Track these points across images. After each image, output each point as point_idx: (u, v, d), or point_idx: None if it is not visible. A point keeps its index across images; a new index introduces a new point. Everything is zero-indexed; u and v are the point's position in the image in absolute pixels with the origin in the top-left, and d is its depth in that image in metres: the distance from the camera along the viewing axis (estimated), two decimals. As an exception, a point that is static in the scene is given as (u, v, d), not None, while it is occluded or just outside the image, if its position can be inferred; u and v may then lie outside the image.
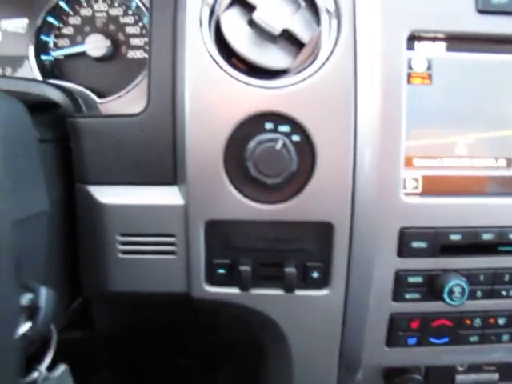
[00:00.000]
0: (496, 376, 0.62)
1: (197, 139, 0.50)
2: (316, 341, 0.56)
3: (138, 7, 0.62)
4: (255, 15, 0.50)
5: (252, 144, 0.48)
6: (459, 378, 0.61)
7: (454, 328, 0.55)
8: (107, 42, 0.62)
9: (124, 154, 0.53)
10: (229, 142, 0.49)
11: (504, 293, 0.54)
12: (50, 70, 0.63)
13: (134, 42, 0.63)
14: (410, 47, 0.51)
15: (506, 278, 0.54)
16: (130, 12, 0.63)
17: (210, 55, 0.50)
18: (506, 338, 0.56)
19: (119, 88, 0.61)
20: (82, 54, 0.62)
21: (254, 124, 0.49)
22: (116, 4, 0.63)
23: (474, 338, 0.56)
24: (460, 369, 0.61)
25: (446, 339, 0.56)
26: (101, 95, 0.62)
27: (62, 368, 0.42)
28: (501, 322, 0.55)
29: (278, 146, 0.48)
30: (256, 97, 0.49)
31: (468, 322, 0.55)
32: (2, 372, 0.35)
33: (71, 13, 0.63)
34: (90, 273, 0.55)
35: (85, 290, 0.56)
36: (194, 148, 0.50)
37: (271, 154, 0.48)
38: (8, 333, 0.36)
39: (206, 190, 0.51)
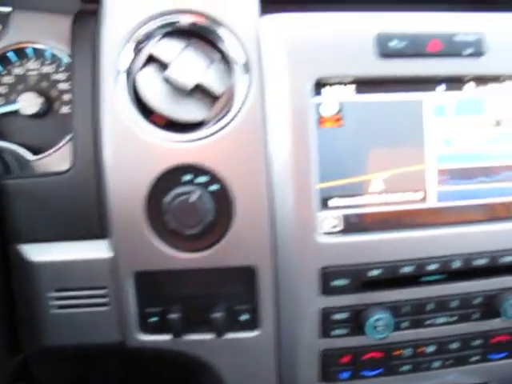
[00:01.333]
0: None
1: (118, 195, 0.52)
2: (252, 381, 0.57)
3: (68, 64, 0.64)
4: (168, 72, 0.52)
5: (169, 198, 0.50)
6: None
7: (385, 360, 0.56)
8: (40, 100, 0.64)
9: (53, 211, 0.55)
10: (149, 196, 0.51)
11: (429, 322, 0.56)
12: (-14, 130, 0.65)
13: (66, 97, 0.65)
14: (319, 93, 0.53)
15: (430, 307, 0.55)
16: (61, 69, 0.65)
17: (127, 114, 0.52)
18: (437, 364, 0.58)
19: (53, 144, 0.63)
20: (16, 112, 0.64)
21: (171, 177, 0.51)
22: (47, 62, 0.65)
23: (406, 368, 0.57)
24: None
25: (380, 371, 0.57)
26: (36, 152, 0.64)
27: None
28: (430, 349, 0.57)
29: (193, 198, 0.50)
30: (172, 151, 0.51)
31: (398, 352, 0.56)
32: None
33: (4, 72, 0.65)
34: (28, 329, 0.56)
35: (24, 346, 0.57)
36: (116, 203, 0.52)
37: (187, 207, 0.50)
38: None
39: (132, 243, 0.52)
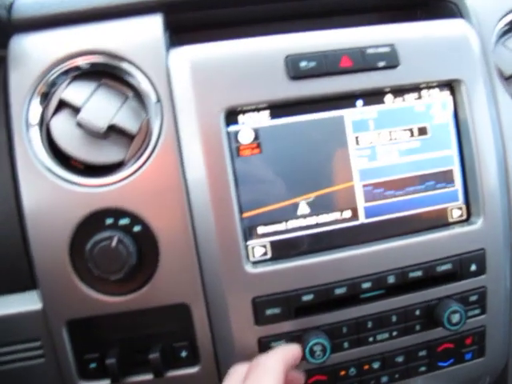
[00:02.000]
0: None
1: (41, 244, 0.51)
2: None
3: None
4: (79, 117, 0.52)
5: (89, 245, 0.50)
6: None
7: (330, 381, 0.56)
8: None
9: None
10: (71, 244, 0.51)
11: (371, 339, 0.55)
12: None
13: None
14: (234, 121, 0.53)
15: (369, 324, 0.55)
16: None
17: (43, 163, 0.51)
18: (384, 379, 0.57)
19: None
20: None
21: (93, 222, 0.51)
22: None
23: (353, 387, 0.57)
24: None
25: (328, 392, 0.57)
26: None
27: None
28: (375, 366, 0.56)
29: (114, 243, 0.49)
30: (91, 196, 0.51)
31: (343, 372, 0.56)
32: None
33: None
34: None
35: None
36: (40, 252, 0.51)
37: (108, 253, 0.49)
38: None
39: (60, 292, 0.52)
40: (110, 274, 0.50)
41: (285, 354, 0.48)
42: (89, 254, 0.50)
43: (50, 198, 0.51)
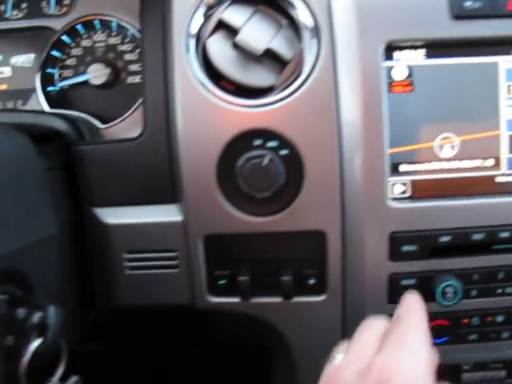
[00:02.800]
0: (503, 373, 0.62)
1: (190, 160, 0.53)
2: (318, 345, 0.57)
3: (133, 35, 0.66)
4: (238, 38, 0.52)
5: (241, 161, 0.51)
6: (465, 376, 0.62)
7: (452, 327, 0.56)
8: (107, 70, 0.65)
9: (125, 176, 0.56)
10: (220, 161, 0.52)
11: (499, 291, 0.55)
12: (56, 100, 0.67)
13: (132, 68, 0.66)
14: (389, 57, 0.52)
15: (501, 275, 0.54)
16: (127, 40, 0.67)
17: (198, 79, 0.53)
18: (505, 335, 0.57)
19: (121, 113, 0.65)
20: (85, 83, 0.66)
21: (242, 142, 0.52)
22: (113, 33, 0.67)
23: (473, 337, 0.57)
24: (465, 367, 0.62)
25: (446, 338, 0.57)
26: (104, 120, 0.65)
27: (74, 379, 0.46)
28: (499, 319, 0.56)
29: (265, 161, 0.50)
30: (243, 115, 0.52)
31: (466, 320, 0.56)
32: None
33: (73, 45, 0.67)
34: (101, 289, 0.58)
35: (97, 305, 0.59)
36: (188, 168, 0.53)
37: (259, 170, 0.51)
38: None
39: (203, 207, 0.54)
40: (258, 191, 0.51)
41: (423, 311, 0.42)
42: (239, 170, 0.51)
43: (204, 114, 0.52)
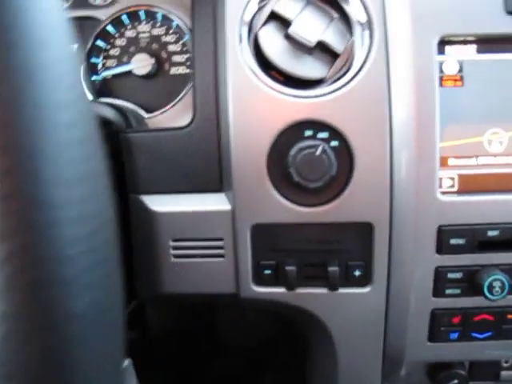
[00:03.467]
0: (543, 373, 0.62)
1: (241, 148, 0.53)
2: (360, 337, 0.58)
3: (178, 26, 0.66)
4: (291, 29, 0.53)
5: (293, 151, 0.51)
6: (504, 373, 0.62)
7: (496, 323, 0.56)
8: (151, 60, 0.66)
9: (173, 164, 0.57)
10: (271, 150, 0.53)
11: (546, 287, 0.55)
12: (99, 89, 0.68)
13: (176, 58, 0.67)
14: (441, 51, 0.53)
15: (547, 272, 0.54)
16: (171, 31, 0.67)
17: (251, 69, 0.53)
18: (550, 333, 0.57)
19: (164, 103, 0.65)
20: (128, 73, 0.67)
21: (294, 132, 0.52)
22: (158, 24, 0.67)
23: (517, 333, 0.57)
24: (505, 364, 0.62)
25: (489, 334, 0.57)
26: (147, 110, 0.66)
27: (127, 361, 0.46)
28: (544, 316, 0.56)
29: (318, 151, 0.51)
30: (295, 106, 0.52)
31: (511, 316, 0.56)
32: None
33: (117, 35, 0.68)
34: (145, 277, 0.59)
35: (140, 293, 0.59)
36: (239, 157, 0.53)
37: (312, 160, 0.51)
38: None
39: (252, 196, 0.54)
40: (310, 181, 0.51)
41: None
42: (292, 160, 0.51)
43: (256, 103, 0.53)
